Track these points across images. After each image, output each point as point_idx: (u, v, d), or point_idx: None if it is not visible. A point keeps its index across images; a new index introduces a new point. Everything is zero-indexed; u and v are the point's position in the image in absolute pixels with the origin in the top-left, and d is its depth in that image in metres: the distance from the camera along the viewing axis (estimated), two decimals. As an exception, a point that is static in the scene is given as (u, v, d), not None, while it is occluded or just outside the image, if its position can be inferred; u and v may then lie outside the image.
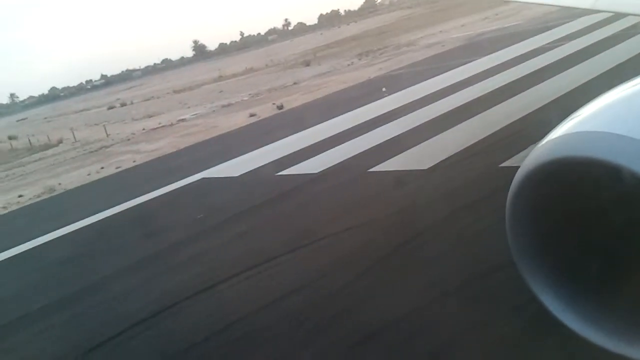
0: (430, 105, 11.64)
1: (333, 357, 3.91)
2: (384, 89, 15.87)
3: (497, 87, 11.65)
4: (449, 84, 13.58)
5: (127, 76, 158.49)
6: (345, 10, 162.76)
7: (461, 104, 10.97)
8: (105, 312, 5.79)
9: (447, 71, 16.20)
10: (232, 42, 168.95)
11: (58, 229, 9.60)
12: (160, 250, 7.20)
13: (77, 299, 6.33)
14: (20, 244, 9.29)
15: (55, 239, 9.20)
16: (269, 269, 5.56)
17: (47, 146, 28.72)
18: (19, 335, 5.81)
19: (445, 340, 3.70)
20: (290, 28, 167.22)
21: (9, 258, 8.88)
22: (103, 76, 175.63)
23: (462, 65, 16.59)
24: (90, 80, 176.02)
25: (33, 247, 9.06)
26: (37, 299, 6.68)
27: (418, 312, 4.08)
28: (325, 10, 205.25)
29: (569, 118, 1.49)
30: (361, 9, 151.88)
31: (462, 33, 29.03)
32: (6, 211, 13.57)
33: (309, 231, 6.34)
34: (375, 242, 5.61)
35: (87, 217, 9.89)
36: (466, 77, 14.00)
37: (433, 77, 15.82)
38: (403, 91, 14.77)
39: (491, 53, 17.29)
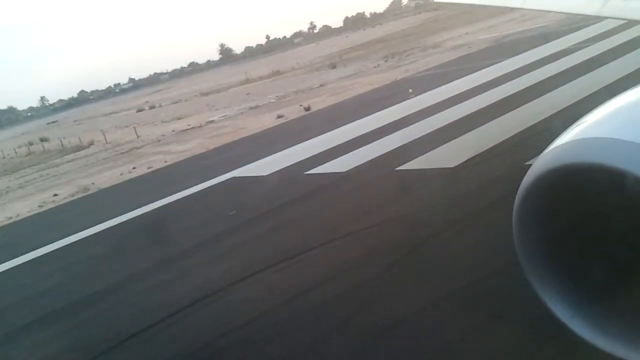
0: (456, 106, 11.72)
1: (359, 345, 4.09)
2: (410, 90, 15.94)
3: (521, 88, 11.67)
4: (474, 85, 13.63)
5: (154, 79, 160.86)
6: (370, 13, 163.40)
7: (486, 104, 11.04)
8: (145, 301, 6.09)
9: (472, 73, 16.24)
10: (258, 45, 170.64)
11: (95, 225, 9.95)
12: (193, 245, 7.44)
13: (123, 286, 6.71)
14: (62, 238, 9.67)
15: (94, 234, 9.54)
16: (299, 263, 5.79)
17: (78, 147, 29.40)
18: (71, 320, 6.15)
19: (460, 335, 3.84)
20: (315, 31, 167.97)
21: (53, 251, 9.22)
22: (131, 79, 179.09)
23: (487, 67, 16.61)
24: (119, 84, 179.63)
25: (78, 240, 9.44)
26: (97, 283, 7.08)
27: (438, 305, 4.24)
28: (351, 12, 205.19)
29: (574, 124, 1.51)
30: (387, 11, 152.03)
31: (489, 34, 28.92)
32: (42, 209, 14.02)
33: (337, 227, 6.52)
34: (402, 238, 5.77)
35: (122, 214, 10.22)
36: (491, 78, 14.03)
37: (459, 78, 15.89)
38: (429, 92, 14.86)
39: (516, 55, 17.27)
